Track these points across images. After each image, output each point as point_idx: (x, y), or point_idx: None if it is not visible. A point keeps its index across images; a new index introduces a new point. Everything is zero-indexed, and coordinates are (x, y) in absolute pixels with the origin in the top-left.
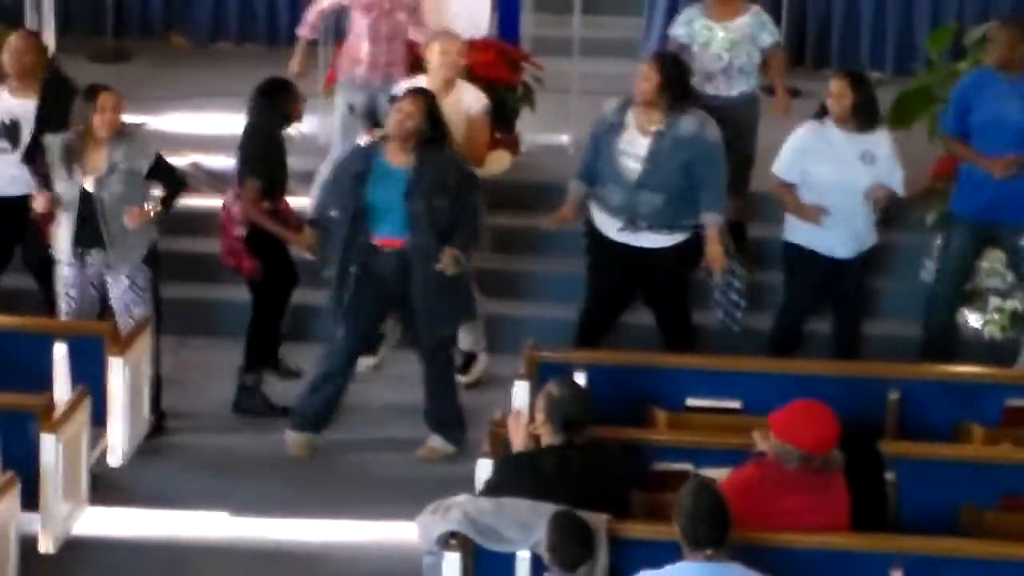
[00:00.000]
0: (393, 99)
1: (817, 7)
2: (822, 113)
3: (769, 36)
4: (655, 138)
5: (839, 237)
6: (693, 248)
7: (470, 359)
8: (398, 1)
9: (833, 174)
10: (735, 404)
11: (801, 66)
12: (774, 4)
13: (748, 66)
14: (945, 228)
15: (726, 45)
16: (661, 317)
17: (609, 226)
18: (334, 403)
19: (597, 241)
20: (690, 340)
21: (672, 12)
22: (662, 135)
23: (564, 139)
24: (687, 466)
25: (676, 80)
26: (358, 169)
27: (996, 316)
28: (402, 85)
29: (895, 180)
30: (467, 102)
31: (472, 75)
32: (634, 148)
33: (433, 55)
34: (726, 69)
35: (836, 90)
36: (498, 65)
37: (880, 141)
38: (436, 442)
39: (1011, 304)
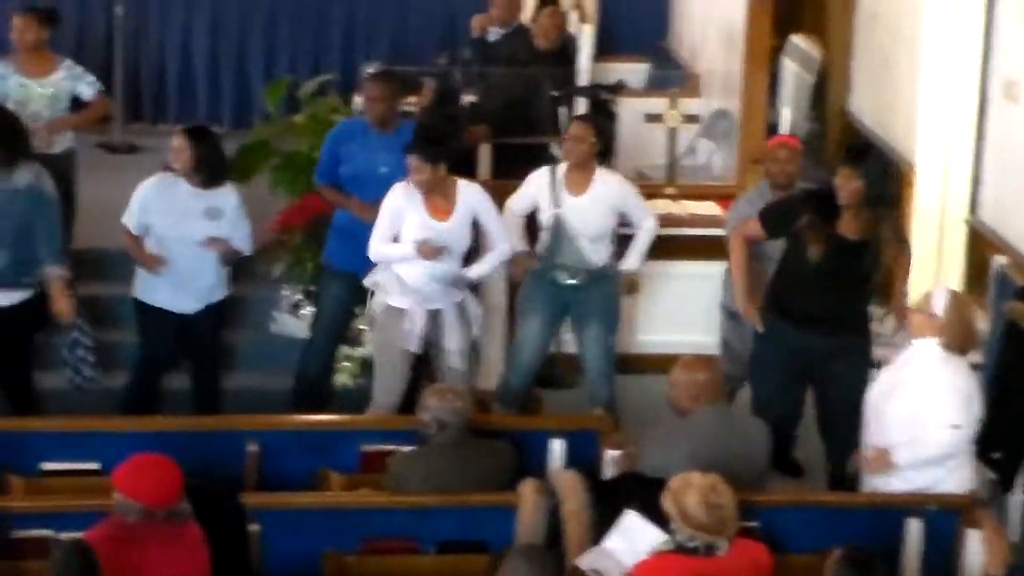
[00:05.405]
0: None
1: (151, 62)
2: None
3: (89, 87)
4: None
5: (187, 292)
6: (37, 306)
7: None
8: None
9: (175, 227)
10: (93, 466)
11: (140, 121)
12: (106, 60)
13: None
14: (320, 280)
15: (46, 101)
16: (3, 381)
17: None
18: None
19: None
20: (33, 403)
21: None
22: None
23: None
24: (47, 532)
25: None
26: None
27: (348, 364)
28: None
29: (240, 235)
30: None
31: None
32: None
33: None
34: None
35: (177, 145)
36: None
37: (226, 196)
38: None
39: (360, 352)
